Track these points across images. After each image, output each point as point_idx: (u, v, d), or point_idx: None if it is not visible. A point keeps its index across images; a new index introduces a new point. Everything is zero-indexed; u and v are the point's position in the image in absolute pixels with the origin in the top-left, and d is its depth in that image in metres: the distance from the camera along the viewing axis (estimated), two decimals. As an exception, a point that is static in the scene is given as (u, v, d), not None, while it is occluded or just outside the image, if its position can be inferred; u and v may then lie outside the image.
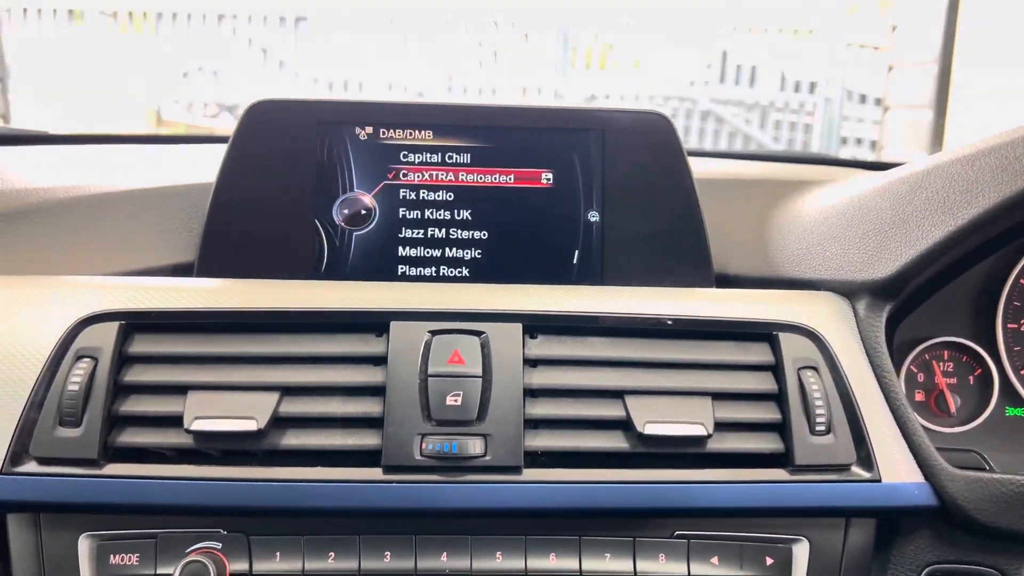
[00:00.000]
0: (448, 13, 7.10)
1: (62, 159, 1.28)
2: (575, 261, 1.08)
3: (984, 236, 0.93)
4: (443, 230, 1.08)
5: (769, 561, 0.88)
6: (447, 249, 1.08)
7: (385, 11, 7.01)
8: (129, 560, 0.85)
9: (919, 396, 1.05)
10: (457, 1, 7.13)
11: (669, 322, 0.93)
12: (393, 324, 0.90)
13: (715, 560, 0.88)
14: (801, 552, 0.89)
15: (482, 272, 1.07)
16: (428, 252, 1.08)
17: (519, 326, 0.91)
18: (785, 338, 0.93)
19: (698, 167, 1.10)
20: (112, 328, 0.88)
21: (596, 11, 7.27)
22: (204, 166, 1.14)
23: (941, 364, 1.06)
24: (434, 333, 0.89)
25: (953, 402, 1.04)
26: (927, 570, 0.92)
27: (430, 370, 0.87)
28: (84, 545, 0.85)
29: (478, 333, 0.90)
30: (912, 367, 1.05)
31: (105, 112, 6.77)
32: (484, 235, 1.08)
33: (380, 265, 1.07)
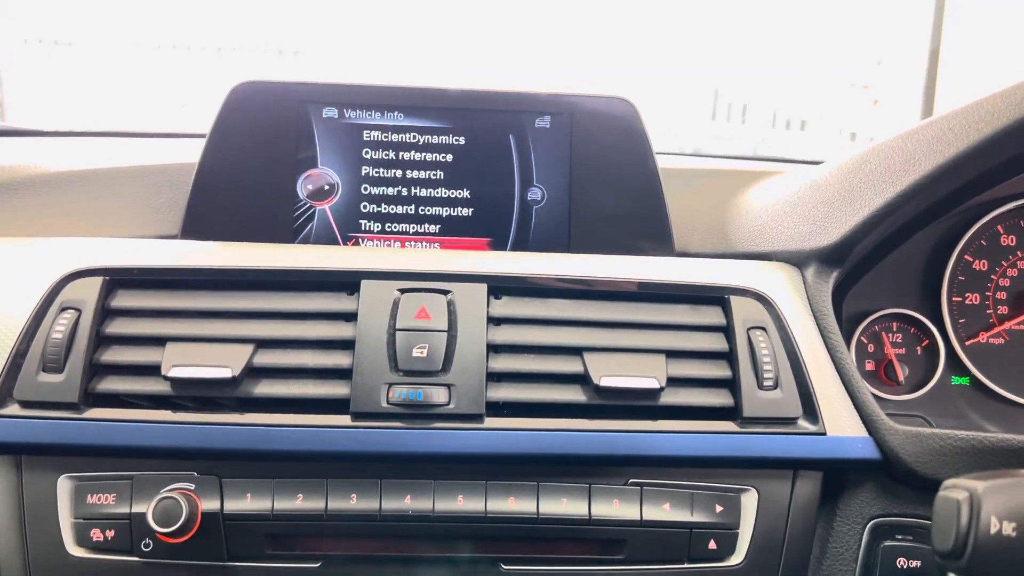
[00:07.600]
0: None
1: (53, 148, 1.33)
2: (543, 235, 1.13)
3: (921, 203, 0.99)
4: (414, 205, 1.13)
5: (719, 508, 0.92)
6: (418, 224, 1.13)
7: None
8: (106, 500, 0.88)
9: (869, 365, 1.10)
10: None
11: (630, 286, 0.98)
12: (364, 283, 0.94)
13: (667, 506, 0.91)
14: (749, 501, 0.93)
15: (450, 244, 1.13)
16: (397, 226, 1.13)
17: (484, 286, 0.95)
18: (736, 301, 0.98)
19: (663, 162, 1.16)
20: (96, 283, 0.93)
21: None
22: (190, 152, 1.20)
23: (890, 335, 1.11)
24: (403, 291, 0.94)
25: (901, 371, 1.09)
26: (871, 523, 0.96)
27: (398, 324, 0.91)
28: (63, 486, 0.89)
29: (445, 292, 0.94)
30: (863, 338, 1.10)
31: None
32: (455, 211, 1.13)
33: (352, 235, 1.12)
